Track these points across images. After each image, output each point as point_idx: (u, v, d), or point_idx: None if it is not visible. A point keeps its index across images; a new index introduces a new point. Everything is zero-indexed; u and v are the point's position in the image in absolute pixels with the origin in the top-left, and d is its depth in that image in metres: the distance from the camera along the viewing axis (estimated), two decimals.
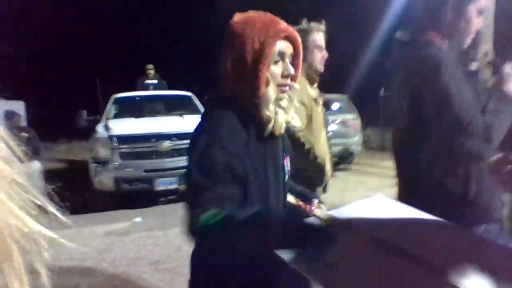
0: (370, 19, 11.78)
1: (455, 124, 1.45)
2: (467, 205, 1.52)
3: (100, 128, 6.19)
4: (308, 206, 1.30)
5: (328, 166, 2.34)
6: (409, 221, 1.23)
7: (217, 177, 1.08)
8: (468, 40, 1.62)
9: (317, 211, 1.26)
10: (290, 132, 1.83)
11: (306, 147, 2.15)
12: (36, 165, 5.72)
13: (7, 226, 0.33)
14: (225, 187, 1.08)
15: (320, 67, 2.35)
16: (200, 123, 1.22)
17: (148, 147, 5.83)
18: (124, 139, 5.80)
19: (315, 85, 2.40)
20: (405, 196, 1.68)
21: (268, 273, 1.14)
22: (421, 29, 1.64)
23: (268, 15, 1.20)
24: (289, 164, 1.34)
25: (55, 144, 13.87)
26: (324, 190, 2.43)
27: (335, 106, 9.11)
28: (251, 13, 1.20)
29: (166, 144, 5.83)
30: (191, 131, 1.21)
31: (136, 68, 9.69)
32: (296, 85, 1.25)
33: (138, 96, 7.61)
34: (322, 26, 2.34)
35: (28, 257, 0.35)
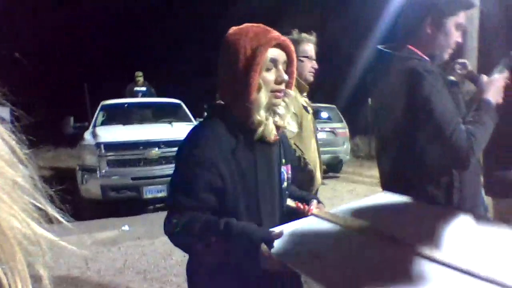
0: (360, 30, 11.95)
1: (438, 134, 1.46)
2: None
3: (87, 135, 6.12)
4: (306, 207, 1.33)
5: (318, 174, 2.35)
6: (400, 210, 1.33)
7: (194, 187, 1.16)
8: (447, 53, 1.65)
9: (315, 211, 1.29)
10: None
11: (296, 154, 2.16)
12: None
13: (11, 228, 0.33)
14: (200, 197, 1.16)
15: (310, 77, 2.38)
16: (188, 132, 1.28)
17: (136, 154, 5.76)
18: (111, 146, 5.73)
19: (305, 93, 2.42)
20: None
21: (261, 281, 1.16)
22: (402, 41, 1.67)
23: (261, 26, 1.25)
24: (289, 171, 1.38)
25: (41, 151, 13.66)
26: None
27: (324, 115, 9.23)
28: (245, 25, 1.26)
29: (154, 152, 5.78)
30: (180, 139, 1.26)
31: (125, 75, 9.64)
32: (291, 92, 1.29)
33: (126, 103, 7.55)
34: (313, 37, 2.38)
35: (30, 259, 0.35)
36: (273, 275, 1.08)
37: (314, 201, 1.36)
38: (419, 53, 1.62)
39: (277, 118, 1.25)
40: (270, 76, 1.21)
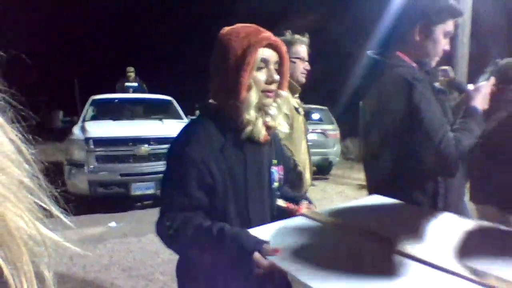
0: (352, 33, 12.03)
1: (427, 142, 1.47)
2: None
3: (76, 130, 6.04)
4: (296, 207, 1.33)
5: (307, 175, 2.36)
6: (390, 211, 1.36)
7: (184, 185, 1.16)
8: (435, 60, 1.67)
9: (304, 211, 1.30)
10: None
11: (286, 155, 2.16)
12: None
13: (17, 228, 0.33)
14: (191, 195, 1.17)
15: (302, 78, 2.38)
16: (179, 131, 1.28)
17: (125, 150, 5.71)
18: (100, 141, 5.67)
19: (297, 95, 2.42)
20: None
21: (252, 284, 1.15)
22: (392, 48, 1.68)
23: (253, 26, 1.26)
24: (281, 172, 1.39)
25: (28, 144, 13.44)
26: None
27: (315, 116, 9.25)
28: (237, 25, 1.26)
29: (144, 148, 5.74)
30: (170, 136, 1.25)
31: (116, 70, 9.55)
32: (283, 92, 1.30)
33: (117, 99, 7.47)
34: (306, 39, 2.38)
35: (35, 260, 0.35)
36: (264, 277, 1.08)
37: (305, 202, 1.37)
38: (408, 60, 1.63)
39: (268, 119, 1.25)
40: (261, 76, 1.22)
